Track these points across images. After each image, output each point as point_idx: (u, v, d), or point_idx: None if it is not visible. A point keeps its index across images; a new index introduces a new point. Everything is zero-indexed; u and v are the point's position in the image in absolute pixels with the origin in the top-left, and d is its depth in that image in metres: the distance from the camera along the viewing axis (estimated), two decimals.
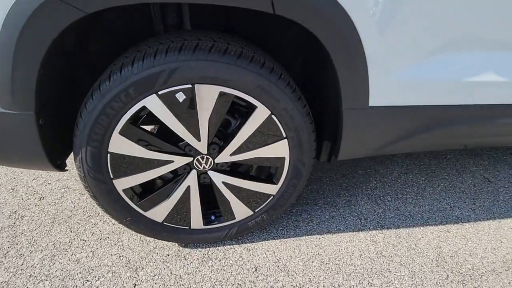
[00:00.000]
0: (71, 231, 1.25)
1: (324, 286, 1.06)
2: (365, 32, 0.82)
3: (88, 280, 1.07)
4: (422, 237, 1.26)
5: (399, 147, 1.13)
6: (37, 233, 1.24)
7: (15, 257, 1.14)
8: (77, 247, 1.19)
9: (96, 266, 1.12)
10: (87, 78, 1.07)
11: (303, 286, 1.06)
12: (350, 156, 1.12)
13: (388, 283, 1.08)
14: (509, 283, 1.09)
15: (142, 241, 1.21)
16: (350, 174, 1.62)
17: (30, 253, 1.16)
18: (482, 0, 0.88)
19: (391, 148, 1.12)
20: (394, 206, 1.41)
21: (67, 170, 1.04)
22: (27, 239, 1.21)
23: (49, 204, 1.38)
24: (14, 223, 1.28)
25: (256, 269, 1.12)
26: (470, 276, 1.11)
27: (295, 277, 1.09)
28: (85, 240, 1.21)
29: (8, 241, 1.20)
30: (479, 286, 1.07)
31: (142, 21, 1.06)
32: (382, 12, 0.82)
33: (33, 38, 0.70)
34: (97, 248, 1.18)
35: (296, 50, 1.08)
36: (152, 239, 1.22)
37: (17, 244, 1.19)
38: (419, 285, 1.07)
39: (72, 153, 1.03)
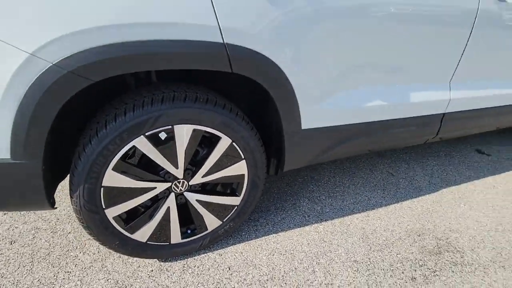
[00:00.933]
0: (53, 266, 1.34)
1: (284, 271, 1.36)
2: (295, 82, 1.18)
3: None
4: (351, 223, 1.65)
5: (326, 157, 1.51)
6: (18, 274, 1.31)
7: None
8: (63, 279, 1.29)
9: None
10: (67, 123, 1.23)
11: (268, 273, 1.34)
12: (292, 168, 1.46)
13: (330, 260, 1.42)
14: (410, 244, 1.52)
15: (126, 263, 1.37)
16: (292, 182, 1.97)
17: None
18: (367, 59, 1.32)
19: (321, 158, 1.49)
20: (328, 203, 1.79)
21: (56, 207, 1.17)
22: (9, 281, 1.27)
23: (22, 246, 1.44)
24: None
25: (229, 268, 1.37)
26: (385, 245, 1.52)
27: (261, 268, 1.37)
28: (70, 272, 1.32)
29: None
30: (391, 250, 1.48)
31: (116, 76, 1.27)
32: (304, 70, 1.19)
33: (49, 104, 0.89)
34: (83, 277, 1.30)
35: (246, 92, 1.40)
36: (135, 259, 1.38)
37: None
38: (352, 257, 1.44)
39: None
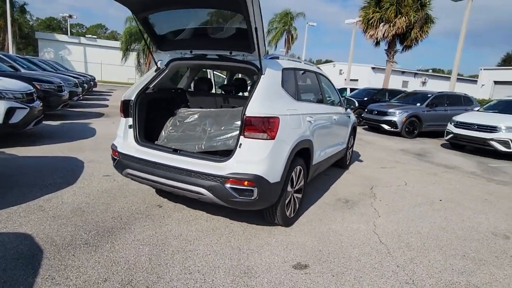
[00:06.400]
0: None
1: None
2: (314, 145, 3.70)
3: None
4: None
5: (316, 173, 4.04)
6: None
7: None
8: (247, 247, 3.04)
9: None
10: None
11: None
12: (309, 179, 3.87)
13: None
14: (332, 200, 4.23)
15: (280, 228, 3.24)
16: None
17: None
18: (323, 138, 4.04)
19: (315, 174, 4.01)
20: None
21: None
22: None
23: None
24: None
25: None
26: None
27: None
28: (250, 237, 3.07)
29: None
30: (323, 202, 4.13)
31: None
32: (315, 141, 3.74)
33: (293, 158, 2.98)
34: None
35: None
36: (279, 227, 3.27)
37: None
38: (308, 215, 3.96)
39: None
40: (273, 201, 2.96)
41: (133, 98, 3.34)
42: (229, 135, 3.29)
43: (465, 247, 3.26)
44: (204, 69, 6.47)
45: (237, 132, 3.23)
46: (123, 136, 3.35)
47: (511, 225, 3.93)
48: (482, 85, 29.59)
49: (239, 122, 3.31)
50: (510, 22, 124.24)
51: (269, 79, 3.01)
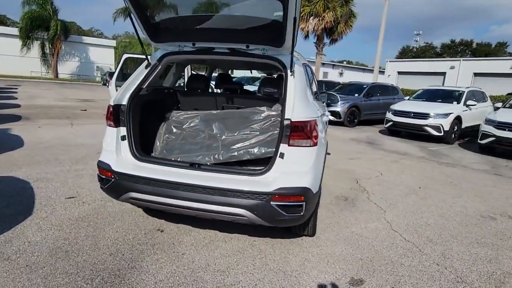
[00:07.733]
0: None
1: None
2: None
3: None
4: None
5: None
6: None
7: None
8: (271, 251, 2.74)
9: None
10: None
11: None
12: None
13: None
14: (345, 207, 4.14)
15: (307, 238, 2.97)
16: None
17: None
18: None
19: None
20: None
21: None
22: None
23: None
24: None
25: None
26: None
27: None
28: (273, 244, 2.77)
29: None
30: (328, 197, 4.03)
31: None
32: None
33: (325, 157, 2.69)
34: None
35: None
36: (306, 237, 3.00)
37: None
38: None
39: None
40: (311, 212, 2.67)
41: (125, 102, 2.65)
42: (249, 142, 2.85)
43: (472, 233, 3.46)
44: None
45: (259, 137, 2.84)
46: (116, 150, 2.64)
47: (488, 206, 4.35)
48: (389, 75, 33.37)
49: (255, 126, 2.93)
50: (403, 18, 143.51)
51: (298, 77, 2.67)
